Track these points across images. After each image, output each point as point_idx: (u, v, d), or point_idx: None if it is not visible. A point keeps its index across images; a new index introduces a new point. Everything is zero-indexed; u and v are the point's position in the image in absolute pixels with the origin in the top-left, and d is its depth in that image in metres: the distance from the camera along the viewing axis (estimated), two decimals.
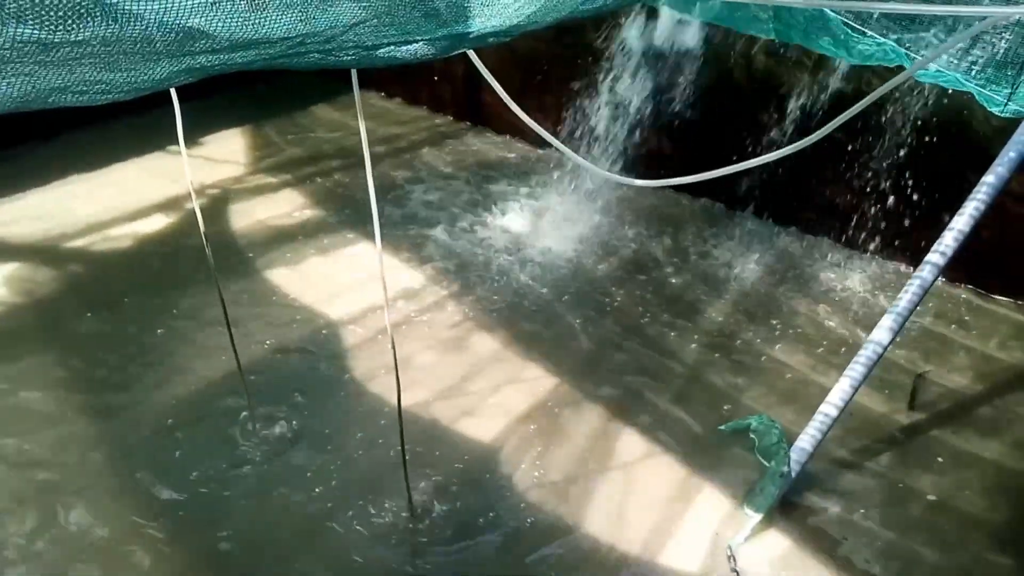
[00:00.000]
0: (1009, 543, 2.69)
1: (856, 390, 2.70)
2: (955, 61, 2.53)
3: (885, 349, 2.70)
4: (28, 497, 2.70)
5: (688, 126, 4.78)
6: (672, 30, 4.57)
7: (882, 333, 2.70)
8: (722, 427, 3.12)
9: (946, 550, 2.66)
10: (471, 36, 1.27)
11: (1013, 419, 3.26)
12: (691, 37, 4.54)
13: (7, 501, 2.68)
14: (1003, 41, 2.39)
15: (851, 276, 4.22)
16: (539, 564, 2.56)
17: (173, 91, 2.21)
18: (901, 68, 2.60)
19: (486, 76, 2.66)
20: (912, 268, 4.12)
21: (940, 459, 3.04)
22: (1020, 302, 3.98)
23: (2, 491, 2.71)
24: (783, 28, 2.73)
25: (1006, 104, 2.54)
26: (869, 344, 2.71)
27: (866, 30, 2.51)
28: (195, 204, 2.58)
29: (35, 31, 0.86)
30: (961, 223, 2.67)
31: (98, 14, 0.88)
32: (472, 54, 2.46)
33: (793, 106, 4.32)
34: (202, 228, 2.56)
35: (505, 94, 2.74)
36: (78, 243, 4.20)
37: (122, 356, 3.37)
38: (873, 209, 4.27)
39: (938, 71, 2.62)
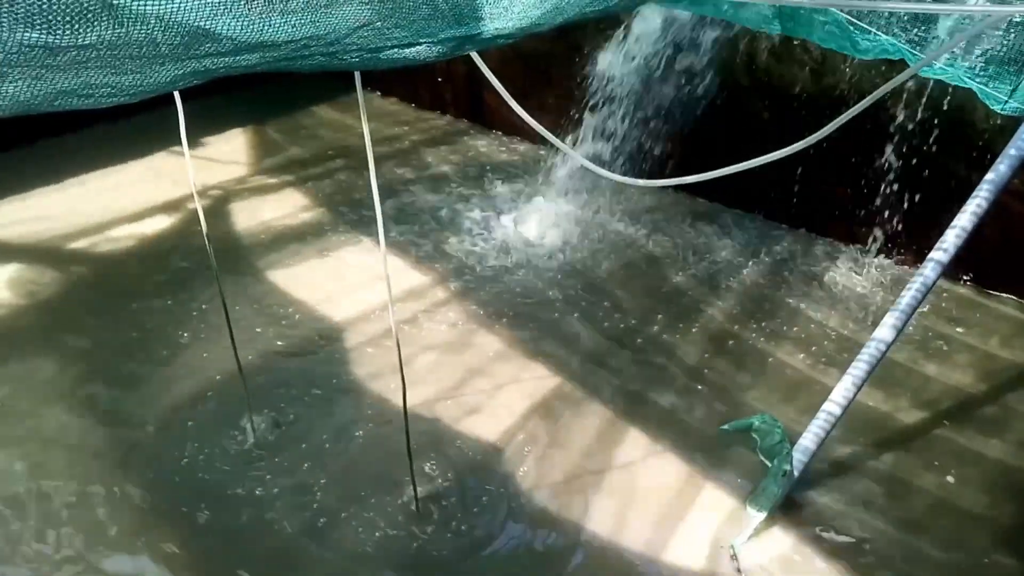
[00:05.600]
0: (1012, 542, 2.69)
1: (859, 389, 2.70)
2: (957, 58, 2.53)
3: (888, 347, 2.70)
4: (30, 497, 2.70)
5: (690, 125, 4.78)
6: (678, 27, 4.57)
7: (885, 331, 2.70)
8: (724, 426, 3.12)
9: (949, 549, 2.67)
10: (477, 38, 1.27)
11: (1015, 417, 3.26)
12: (696, 35, 4.54)
13: (10, 501, 2.69)
14: (1005, 39, 2.39)
15: (853, 275, 4.22)
16: (541, 563, 2.56)
17: (176, 92, 2.21)
18: (904, 64, 2.60)
19: (488, 76, 2.67)
20: (914, 267, 4.12)
21: (943, 457, 3.04)
22: (1023, 300, 3.98)
23: (5, 491, 2.72)
24: (789, 24, 2.74)
25: (1006, 102, 2.54)
26: (872, 342, 2.71)
27: (870, 28, 2.51)
28: (198, 205, 2.58)
29: (42, 35, 0.86)
30: (963, 221, 2.67)
31: (105, 18, 0.89)
32: (475, 54, 2.46)
33: (795, 104, 4.31)
34: (204, 229, 2.57)
35: (507, 94, 2.75)
36: (81, 244, 4.20)
37: (124, 357, 3.38)
38: (875, 208, 4.26)
39: (940, 68, 2.62)
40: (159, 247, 4.24)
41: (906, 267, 4.26)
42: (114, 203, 4.59)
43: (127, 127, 5.31)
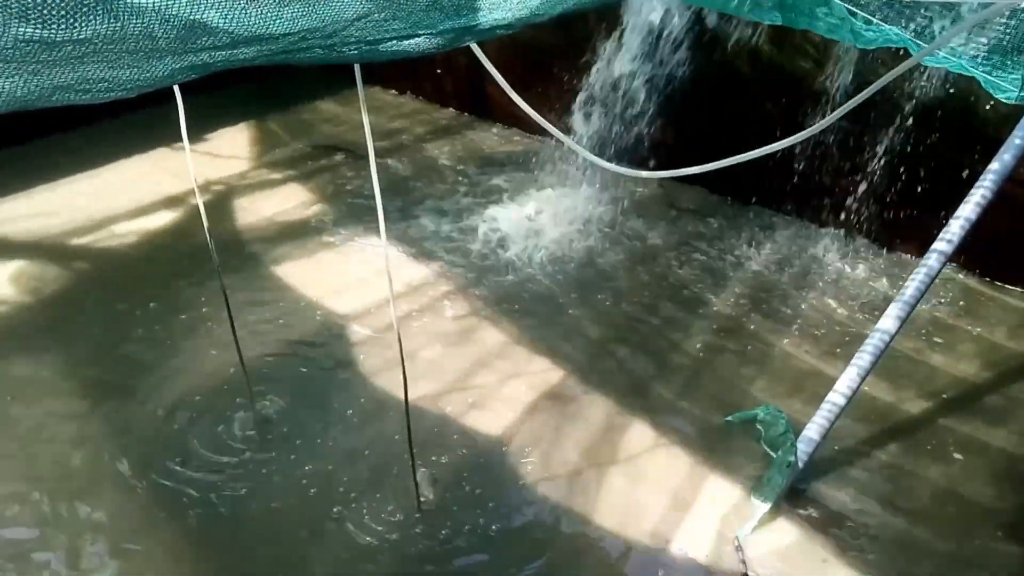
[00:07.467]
0: (1018, 531, 2.69)
1: (863, 379, 2.69)
2: (961, 47, 2.51)
3: (892, 338, 2.69)
4: (32, 494, 2.71)
5: (693, 116, 4.76)
6: (676, 18, 4.55)
7: (889, 322, 2.69)
8: (729, 418, 3.12)
9: (954, 539, 2.66)
10: (476, 29, 1.26)
11: (1021, 407, 3.25)
12: (696, 25, 4.51)
13: (13, 497, 2.69)
14: (1008, 27, 2.37)
15: (857, 266, 4.21)
16: (547, 556, 2.57)
17: (176, 87, 2.20)
18: (907, 53, 2.58)
19: (489, 68, 2.65)
20: (918, 257, 4.10)
21: (948, 448, 3.04)
22: None
23: (7, 487, 2.73)
24: (789, 14, 2.71)
25: (1019, 92, 2.52)
26: (876, 333, 2.70)
27: (871, 17, 2.49)
28: (199, 200, 2.58)
29: (38, 30, 0.86)
30: (967, 211, 2.65)
31: (100, 12, 0.88)
32: (475, 46, 2.45)
33: (796, 95, 4.29)
34: (205, 224, 2.57)
35: (508, 85, 2.74)
36: (84, 240, 4.21)
37: (126, 353, 3.38)
38: (879, 198, 4.25)
39: (944, 57, 2.60)
40: (161, 242, 4.24)
41: (910, 257, 4.25)
42: (116, 199, 4.59)
43: (128, 123, 5.32)
